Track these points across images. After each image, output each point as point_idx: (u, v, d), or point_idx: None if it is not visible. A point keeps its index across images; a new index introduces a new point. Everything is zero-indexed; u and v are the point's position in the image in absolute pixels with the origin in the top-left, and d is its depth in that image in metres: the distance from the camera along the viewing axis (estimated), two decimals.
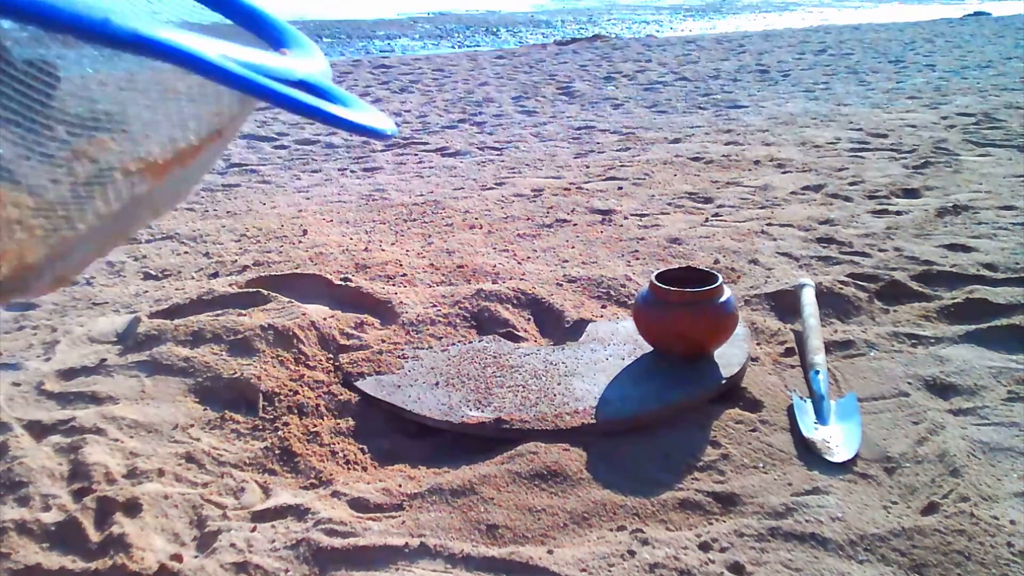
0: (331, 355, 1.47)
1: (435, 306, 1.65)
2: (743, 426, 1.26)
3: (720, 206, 2.57)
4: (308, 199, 2.79)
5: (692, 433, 1.24)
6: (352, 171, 3.27)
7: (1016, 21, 10.40)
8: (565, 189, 2.82)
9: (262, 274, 1.89)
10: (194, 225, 2.48)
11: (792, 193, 2.69)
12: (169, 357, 1.39)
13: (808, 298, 1.62)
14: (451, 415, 1.27)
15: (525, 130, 4.10)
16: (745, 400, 1.35)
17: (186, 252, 2.24)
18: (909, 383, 1.38)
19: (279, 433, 1.25)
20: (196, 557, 0.98)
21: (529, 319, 1.65)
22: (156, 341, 1.45)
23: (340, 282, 1.78)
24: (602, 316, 1.66)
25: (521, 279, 1.83)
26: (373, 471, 1.20)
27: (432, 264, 1.99)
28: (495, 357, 1.46)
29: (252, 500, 1.11)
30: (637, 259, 2.06)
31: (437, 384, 1.36)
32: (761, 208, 2.53)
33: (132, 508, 1.04)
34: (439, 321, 1.59)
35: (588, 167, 3.20)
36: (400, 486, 1.13)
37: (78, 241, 0.51)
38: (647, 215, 2.48)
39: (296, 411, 1.30)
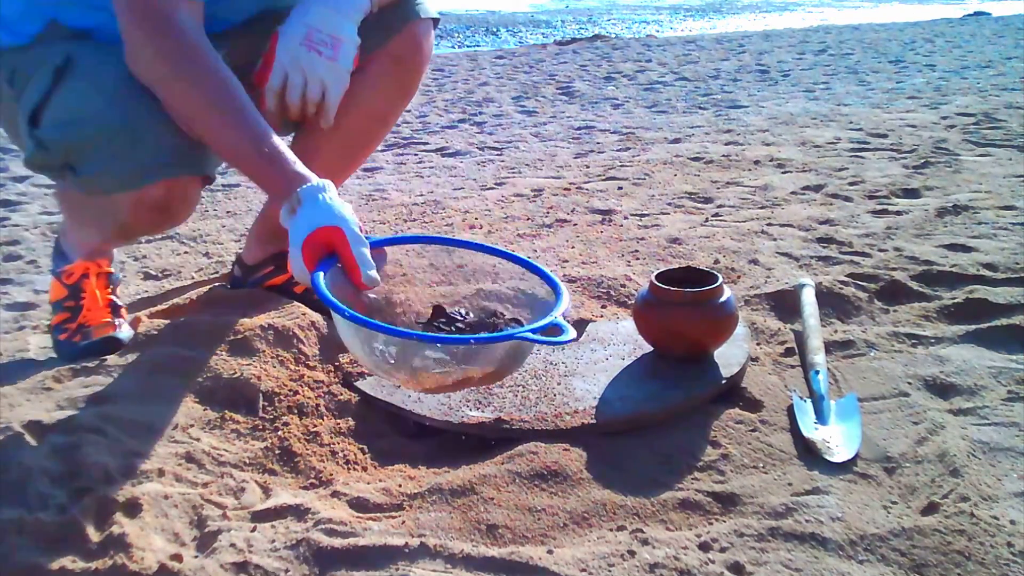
0: (331, 355, 1.47)
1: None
2: (743, 426, 1.26)
3: (720, 206, 2.58)
4: None
5: (692, 433, 1.23)
6: None
7: (1016, 21, 10.40)
8: (565, 189, 2.82)
9: None
10: (194, 225, 2.48)
11: (792, 193, 2.69)
12: (169, 357, 1.39)
13: (808, 298, 1.62)
14: (451, 415, 1.27)
15: (525, 130, 4.10)
16: (745, 400, 1.35)
17: (186, 252, 2.24)
18: (909, 383, 1.38)
19: (279, 433, 1.25)
20: (196, 557, 0.98)
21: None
22: (156, 341, 1.45)
23: None
24: (602, 316, 1.66)
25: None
26: (373, 471, 1.20)
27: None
28: None
29: (252, 500, 1.11)
30: (637, 259, 2.06)
31: None
32: (761, 208, 2.53)
33: (132, 508, 1.04)
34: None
35: (588, 167, 3.20)
36: (400, 486, 1.13)
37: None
38: (647, 215, 2.48)
39: (296, 411, 1.30)
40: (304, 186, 1.16)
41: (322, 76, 1.37)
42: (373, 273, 1.16)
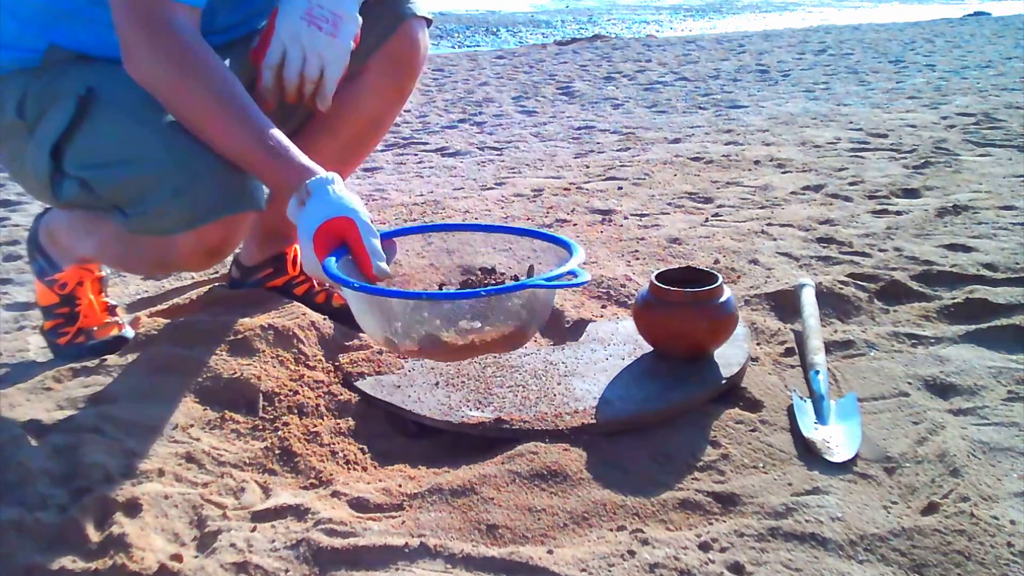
0: (331, 355, 1.47)
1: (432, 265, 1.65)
2: (743, 426, 1.26)
3: (720, 206, 2.58)
4: None
5: (692, 433, 1.24)
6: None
7: (1016, 21, 10.40)
8: (565, 189, 2.82)
9: None
10: None
11: (792, 193, 2.69)
12: (169, 357, 1.39)
13: (808, 298, 1.62)
14: (451, 415, 1.27)
15: (525, 130, 4.11)
16: (745, 400, 1.35)
17: None
18: (909, 383, 1.38)
19: (279, 433, 1.25)
20: (196, 557, 0.98)
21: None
22: (156, 341, 1.45)
23: None
24: (602, 316, 1.66)
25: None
26: (373, 471, 1.20)
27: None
28: (495, 357, 1.46)
29: (252, 500, 1.11)
30: (637, 259, 2.06)
31: (437, 384, 1.36)
32: (761, 208, 2.53)
33: (132, 508, 1.04)
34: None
35: (588, 167, 3.20)
36: (400, 486, 1.13)
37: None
38: (647, 215, 2.48)
39: (296, 411, 1.30)
40: (313, 178, 1.14)
41: (322, 52, 1.34)
42: (384, 264, 1.16)
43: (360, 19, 1.39)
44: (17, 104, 1.32)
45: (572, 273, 1.13)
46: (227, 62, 1.39)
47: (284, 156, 1.18)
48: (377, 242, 1.16)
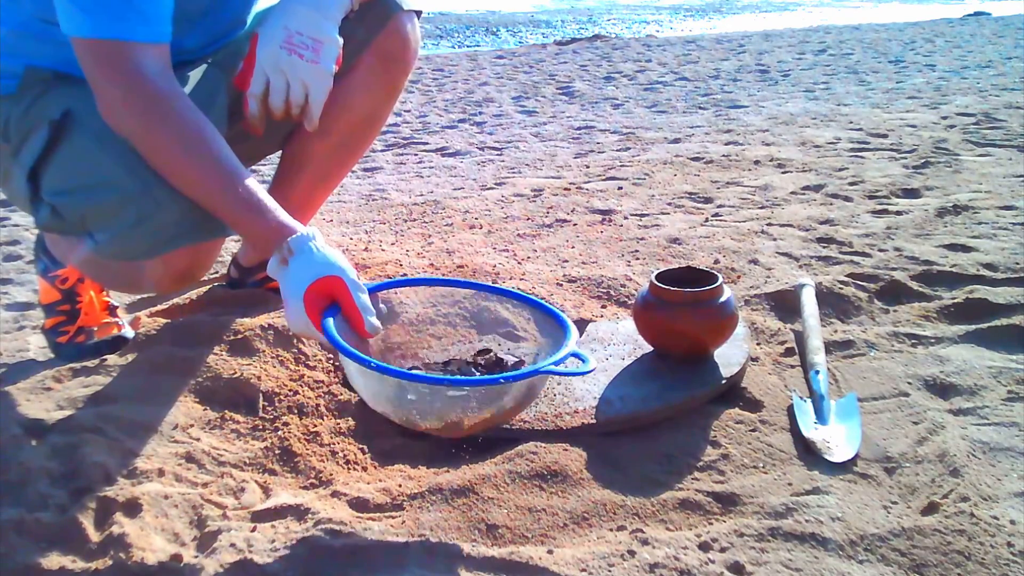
0: (331, 355, 1.47)
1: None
2: (743, 426, 1.26)
3: (720, 206, 2.58)
4: None
5: (692, 433, 1.24)
6: (352, 171, 3.26)
7: (1016, 21, 10.39)
8: (565, 189, 2.82)
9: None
10: None
11: (792, 193, 2.70)
12: (169, 357, 1.39)
13: (808, 298, 1.62)
14: None
15: (525, 130, 4.10)
16: (745, 400, 1.35)
17: None
18: (909, 383, 1.38)
19: (279, 433, 1.25)
20: (196, 557, 0.98)
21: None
22: (156, 341, 1.45)
23: None
24: (602, 316, 1.66)
25: (521, 279, 1.83)
26: (373, 471, 1.20)
27: (432, 264, 1.99)
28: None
29: (252, 500, 1.11)
30: (637, 259, 2.06)
31: None
32: (761, 208, 2.53)
33: (132, 508, 1.04)
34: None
35: (588, 167, 3.20)
36: (400, 486, 1.13)
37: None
38: (647, 215, 2.48)
39: (296, 411, 1.30)
40: (294, 236, 1.10)
41: (304, 79, 1.32)
42: (375, 320, 1.12)
43: (341, 40, 1.36)
44: (2, 129, 1.31)
45: (579, 357, 1.11)
46: (204, 73, 1.38)
47: (260, 211, 1.14)
48: (366, 298, 1.12)
